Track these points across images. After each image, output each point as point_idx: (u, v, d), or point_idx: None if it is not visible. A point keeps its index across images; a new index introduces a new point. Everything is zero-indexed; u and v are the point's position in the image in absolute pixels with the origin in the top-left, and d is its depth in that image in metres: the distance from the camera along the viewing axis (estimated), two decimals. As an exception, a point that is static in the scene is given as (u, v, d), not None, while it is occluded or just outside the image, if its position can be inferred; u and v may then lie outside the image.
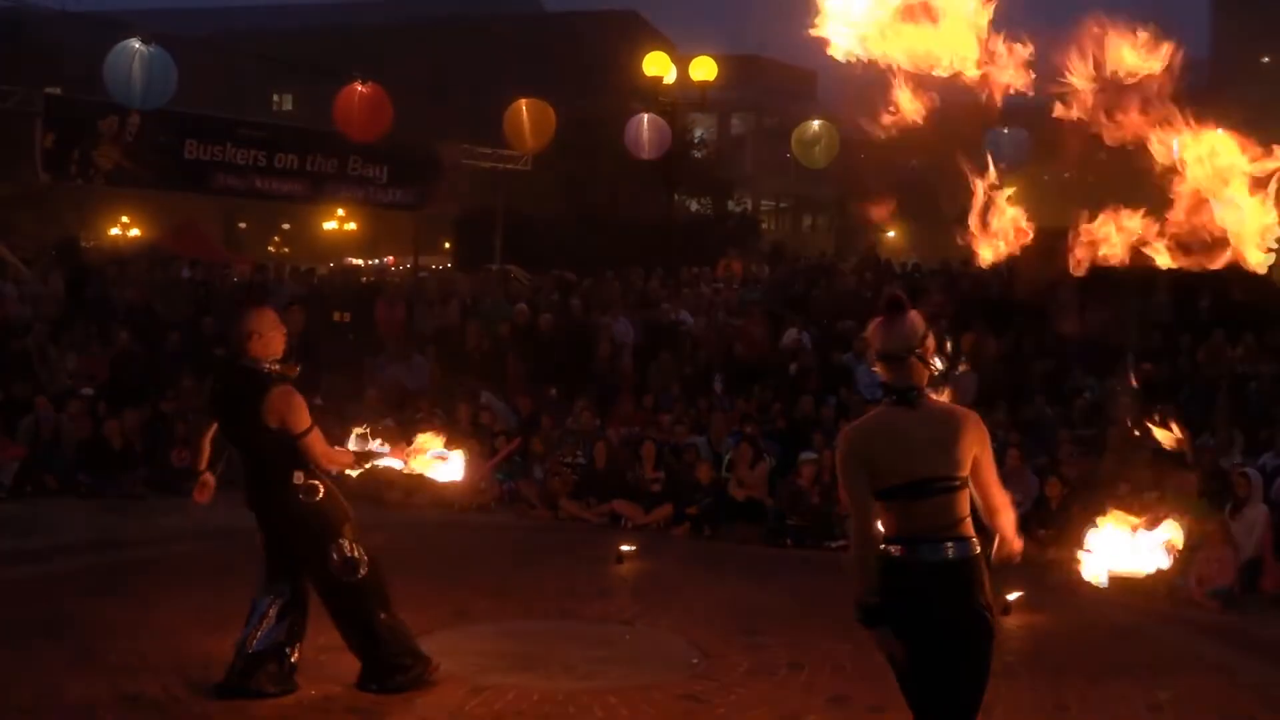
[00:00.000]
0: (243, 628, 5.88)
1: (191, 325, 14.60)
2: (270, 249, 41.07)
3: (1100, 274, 4.91)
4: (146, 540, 9.66)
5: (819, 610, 8.06)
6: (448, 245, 32.44)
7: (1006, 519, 4.06)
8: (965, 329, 13.18)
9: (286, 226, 43.55)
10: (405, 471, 6.20)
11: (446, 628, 7.10)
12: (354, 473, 6.00)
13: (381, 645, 5.96)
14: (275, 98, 48.16)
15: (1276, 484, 10.03)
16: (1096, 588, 8.80)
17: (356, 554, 5.86)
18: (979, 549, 3.94)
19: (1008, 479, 9.89)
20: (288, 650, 5.88)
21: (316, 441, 5.74)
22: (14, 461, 11.41)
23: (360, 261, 34.81)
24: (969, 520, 3.93)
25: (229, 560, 8.45)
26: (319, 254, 34.93)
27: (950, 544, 3.87)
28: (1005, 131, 19.14)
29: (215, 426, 6.01)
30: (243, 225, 42.85)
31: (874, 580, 3.88)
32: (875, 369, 4.09)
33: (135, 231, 34.77)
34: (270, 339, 5.79)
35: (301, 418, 5.69)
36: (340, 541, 5.83)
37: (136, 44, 14.03)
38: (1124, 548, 4.34)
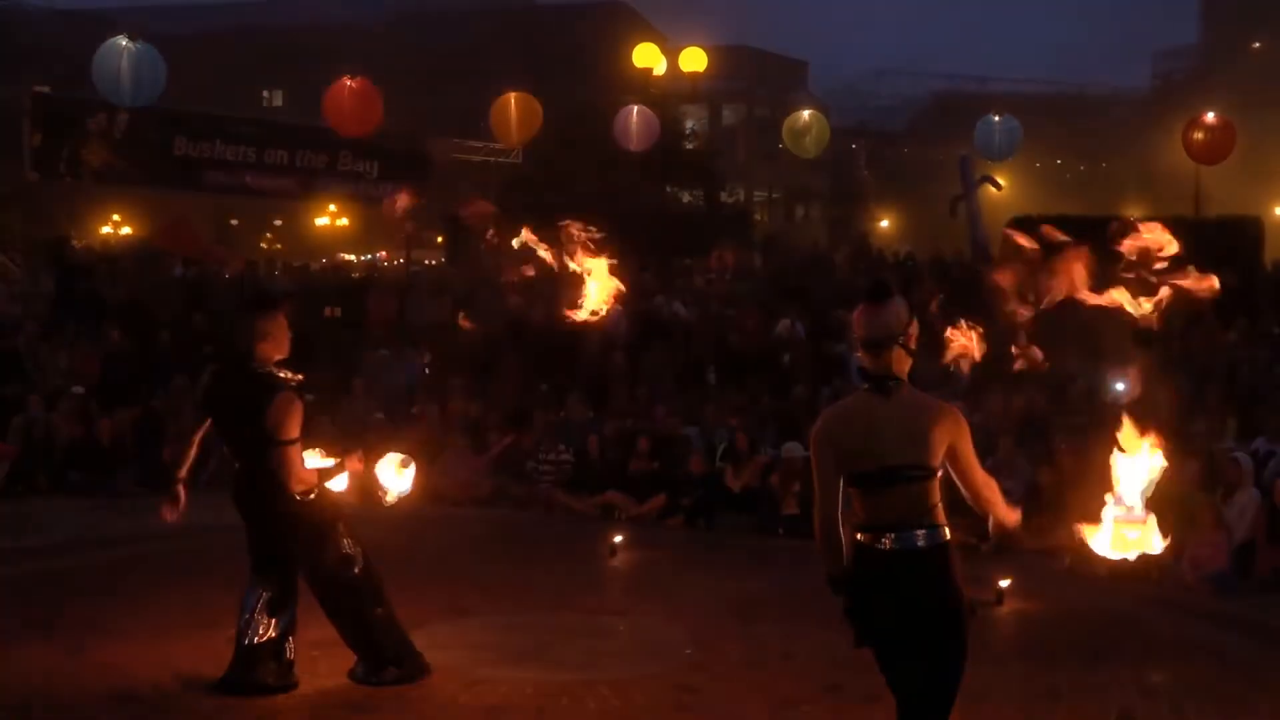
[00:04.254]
0: (236, 623, 5.87)
1: (183, 323, 14.57)
2: (263, 245, 40.96)
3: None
4: (138, 538, 9.61)
5: (812, 600, 8.00)
6: (440, 240, 32.38)
7: (993, 496, 4.07)
8: (957, 317, 13.16)
9: (278, 223, 43.43)
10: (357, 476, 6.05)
11: (440, 621, 7.09)
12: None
13: (378, 640, 5.97)
14: (265, 94, 47.99)
15: (1269, 468, 10.04)
16: (1088, 575, 8.85)
17: (351, 550, 5.88)
18: (948, 538, 3.93)
19: (1000, 467, 9.94)
20: (284, 645, 5.88)
21: (295, 456, 5.68)
22: (5, 460, 11.38)
23: (352, 257, 34.74)
24: (939, 509, 3.93)
25: (220, 557, 8.43)
26: (311, 250, 34.87)
27: (920, 532, 3.88)
28: (996, 119, 19.18)
29: (208, 425, 5.97)
30: (234, 222, 42.71)
31: (838, 558, 3.95)
32: (859, 355, 4.07)
33: (126, 229, 34.66)
34: (280, 341, 5.81)
35: (292, 427, 5.64)
36: (335, 538, 5.85)
37: (124, 41, 13.98)
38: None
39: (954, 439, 3.92)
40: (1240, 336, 13.34)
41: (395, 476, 6.16)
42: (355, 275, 20.83)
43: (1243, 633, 7.65)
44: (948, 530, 3.93)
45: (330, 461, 5.97)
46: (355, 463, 5.98)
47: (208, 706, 5.69)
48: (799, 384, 13.01)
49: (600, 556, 9.27)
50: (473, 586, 8.04)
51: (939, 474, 3.93)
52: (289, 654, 5.90)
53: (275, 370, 5.74)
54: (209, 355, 13.93)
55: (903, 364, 3.99)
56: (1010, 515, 4.13)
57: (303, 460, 5.74)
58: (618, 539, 9.45)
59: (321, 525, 5.83)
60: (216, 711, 5.65)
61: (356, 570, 5.88)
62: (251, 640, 5.79)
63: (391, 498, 6.15)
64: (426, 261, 28.32)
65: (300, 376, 5.82)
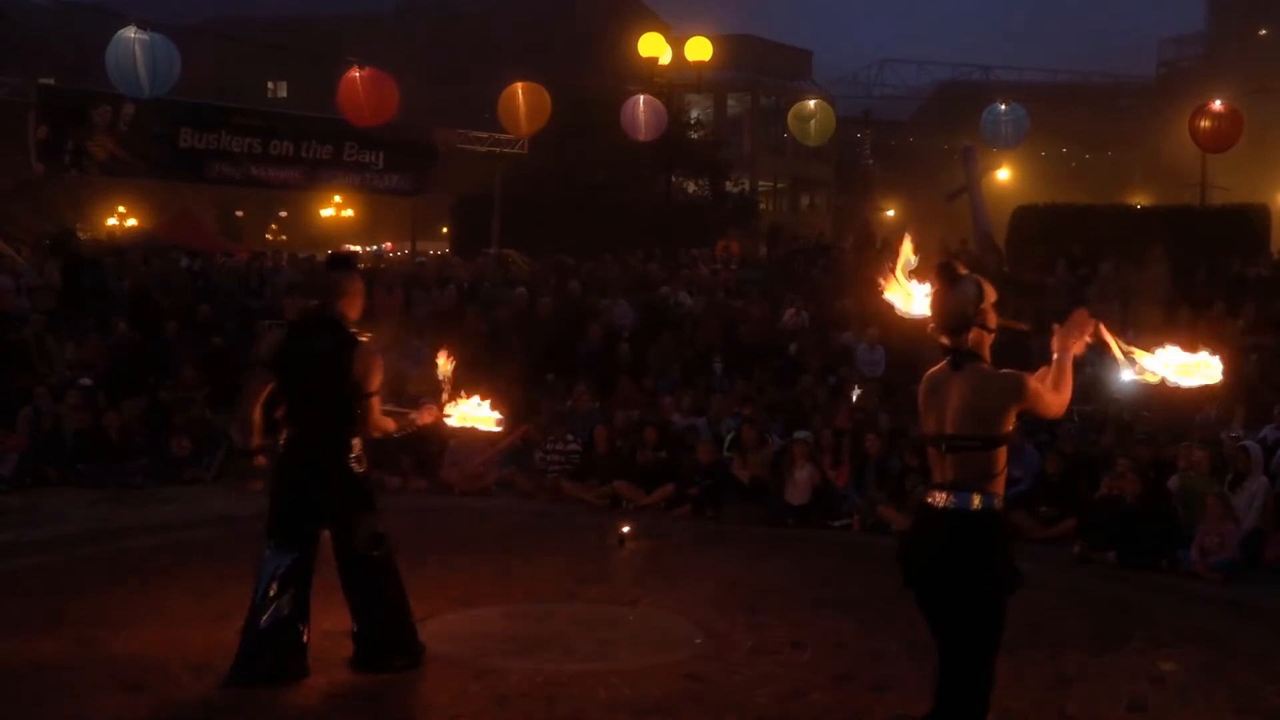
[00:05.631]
0: (248, 607, 5.87)
1: (189, 314, 14.58)
2: (268, 236, 41.00)
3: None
4: (147, 529, 9.64)
5: (822, 590, 8.07)
6: (445, 230, 32.39)
7: (1061, 390, 4.20)
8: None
9: (284, 214, 43.49)
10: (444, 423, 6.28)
11: (449, 612, 7.11)
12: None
13: (389, 622, 6.01)
14: (269, 85, 48.00)
15: (1277, 456, 10.03)
16: (1100, 559, 8.85)
17: (382, 529, 6.00)
18: (1000, 508, 4.12)
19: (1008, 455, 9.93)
20: (300, 627, 5.89)
21: (377, 405, 5.91)
22: (13, 453, 11.40)
23: (358, 248, 34.76)
24: (1000, 479, 4.12)
25: (230, 548, 8.48)
26: (317, 241, 34.92)
27: (976, 496, 4.08)
28: (1003, 108, 19.13)
29: (268, 389, 6.00)
30: (240, 213, 42.78)
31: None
32: (940, 337, 4.19)
33: (132, 221, 34.72)
34: (357, 303, 6.00)
35: (377, 378, 5.87)
36: (374, 515, 5.97)
37: (133, 32, 13.95)
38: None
39: (1020, 404, 4.12)
40: (1248, 324, 13.32)
41: (484, 413, 6.28)
42: (361, 266, 20.81)
43: (1252, 620, 7.65)
44: (1000, 501, 4.11)
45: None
46: (427, 415, 6.20)
47: (219, 697, 5.69)
48: (805, 373, 13.01)
49: (608, 547, 9.27)
50: (482, 577, 8.04)
51: (1003, 445, 4.11)
52: (304, 638, 5.91)
53: (350, 325, 5.93)
54: (216, 346, 13.99)
55: (981, 341, 4.15)
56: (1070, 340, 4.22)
57: (379, 411, 5.95)
58: (626, 529, 9.45)
59: (367, 499, 5.97)
60: (227, 702, 5.65)
61: (385, 550, 5.98)
62: (265, 622, 5.79)
63: (493, 425, 6.26)
64: (432, 251, 28.35)
65: (368, 336, 5.98)
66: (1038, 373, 4.29)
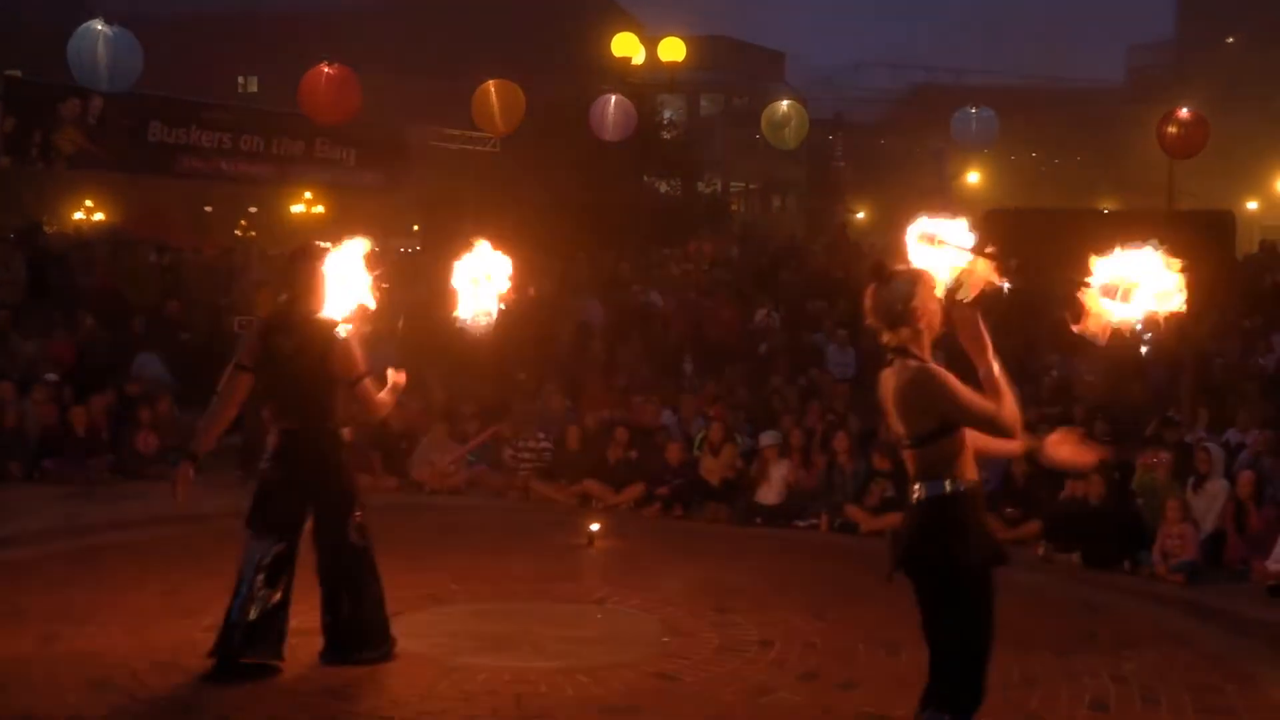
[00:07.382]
0: (231, 595, 5.85)
1: (157, 309, 14.48)
2: (237, 232, 40.70)
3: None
4: (112, 526, 9.57)
5: (789, 589, 8.11)
6: (416, 228, 32.26)
7: (1006, 412, 4.12)
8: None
9: (254, 210, 43.13)
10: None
11: (417, 609, 7.09)
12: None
13: (363, 615, 6.03)
14: (240, 80, 47.65)
15: (1239, 459, 10.15)
16: (1064, 560, 8.94)
17: (365, 521, 6.07)
18: (964, 489, 4.06)
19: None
20: (283, 616, 5.92)
21: (369, 387, 5.95)
22: (-22, 448, 11.29)
23: (328, 245, 34.49)
24: (956, 464, 4.06)
25: (195, 545, 8.45)
26: (286, 237, 34.64)
27: (946, 482, 4.05)
28: (973, 112, 19.25)
29: (243, 389, 5.97)
30: (209, 209, 42.42)
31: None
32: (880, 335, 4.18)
33: (99, 215, 34.39)
34: (320, 293, 5.92)
35: (359, 363, 5.91)
36: (359, 507, 6.06)
37: (99, 25, 13.83)
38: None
39: (935, 402, 4.03)
40: (1212, 329, 13.46)
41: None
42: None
43: (1213, 622, 7.73)
44: (963, 483, 4.05)
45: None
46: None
47: (185, 694, 5.67)
48: (775, 374, 13.05)
49: (577, 545, 9.28)
50: (450, 575, 8.03)
51: (949, 432, 4.05)
52: (286, 625, 5.93)
53: (324, 317, 5.89)
54: (184, 342, 13.91)
55: (916, 340, 4.08)
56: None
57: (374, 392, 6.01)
58: (595, 528, 9.46)
59: (354, 488, 6.07)
60: (194, 698, 5.63)
61: (367, 541, 6.04)
62: (255, 616, 5.79)
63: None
64: (402, 249, 28.21)
65: (339, 321, 5.93)
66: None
